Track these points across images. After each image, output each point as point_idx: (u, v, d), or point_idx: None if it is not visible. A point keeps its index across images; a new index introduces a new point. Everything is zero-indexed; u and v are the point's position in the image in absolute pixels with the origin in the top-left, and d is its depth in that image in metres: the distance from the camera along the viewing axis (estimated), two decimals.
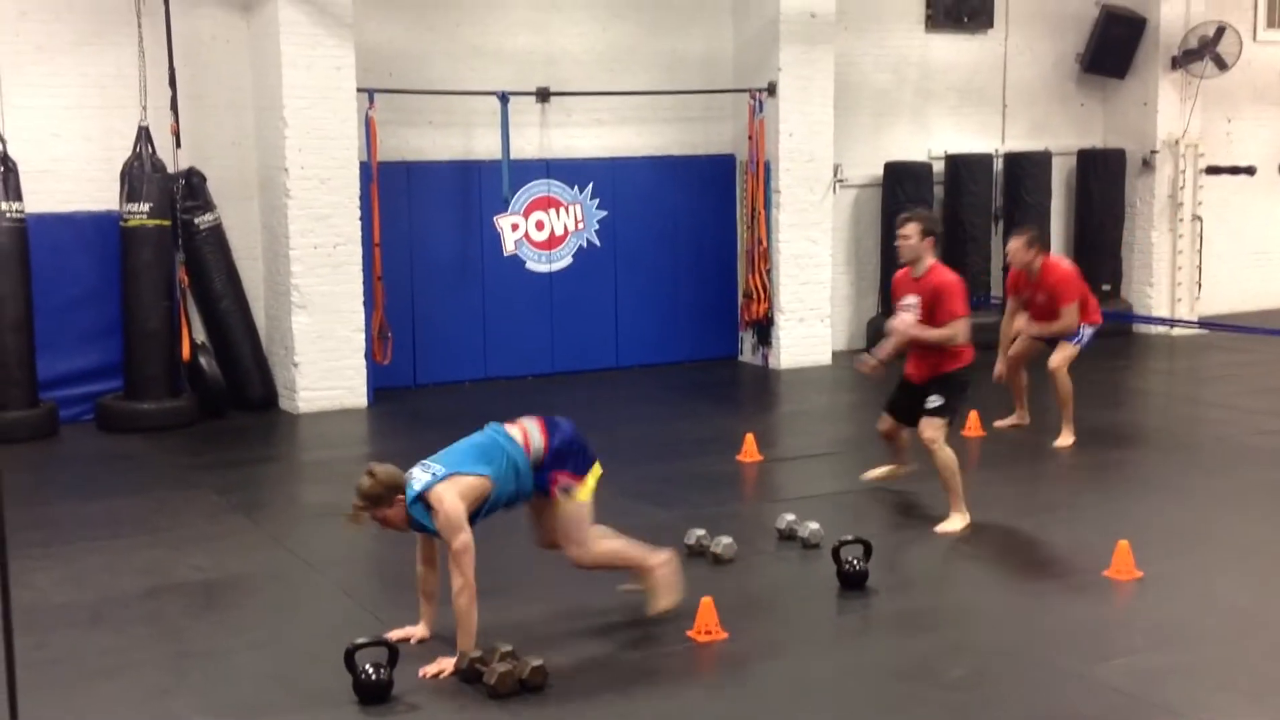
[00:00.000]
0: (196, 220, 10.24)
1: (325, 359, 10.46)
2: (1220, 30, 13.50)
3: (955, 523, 7.28)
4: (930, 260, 7.40)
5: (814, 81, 12.06)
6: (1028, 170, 13.46)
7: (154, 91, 10.01)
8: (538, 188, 11.74)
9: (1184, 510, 7.76)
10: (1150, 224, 13.97)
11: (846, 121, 12.61)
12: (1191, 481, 8.39)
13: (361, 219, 10.53)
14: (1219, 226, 14.44)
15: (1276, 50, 15.11)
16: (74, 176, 10.12)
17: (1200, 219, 14.06)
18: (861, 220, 13.18)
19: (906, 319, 7.34)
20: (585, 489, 5.56)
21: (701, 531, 6.84)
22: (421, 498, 5.29)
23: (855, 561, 6.27)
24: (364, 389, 10.63)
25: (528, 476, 5.49)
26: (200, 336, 10.37)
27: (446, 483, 5.31)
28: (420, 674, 5.23)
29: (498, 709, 5.01)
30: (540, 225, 11.80)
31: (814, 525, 6.95)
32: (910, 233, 7.36)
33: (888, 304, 12.73)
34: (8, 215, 9.49)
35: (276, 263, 10.54)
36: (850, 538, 6.37)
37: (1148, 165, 13.91)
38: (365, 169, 10.58)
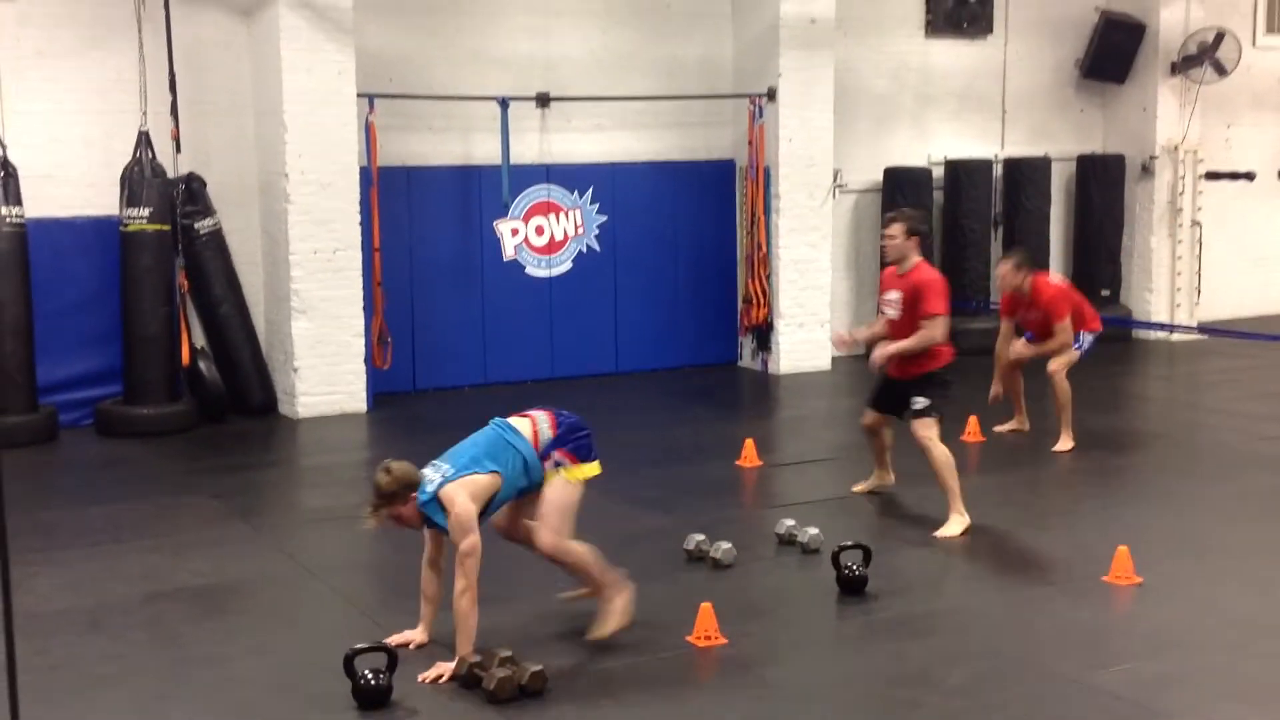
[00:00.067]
0: (196, 225, 10.25)
1: (325, 364, 10.46)
2: (1220, 36, 13.51)
3: (955, 526, 7.30)
4: (915, 258, 7.54)
5: (814, 87, 12.08)
6: (1027, 176, 13.47)
7: (154, 96, 10.02)
8: (537, 193, 11.75)
9: (1183, 516, 7.75)
10: (1150, 229, 13.98)
11: (846, 127, 12.62)
12: (1191, 487, 8.39)
13: (361, 224, 10.54)
14: (1218, 232, 14.44)
15: (1276, 56, 15.12)
16: (74, 181, 10.13)
17: (1200, 224, 14.07)
18: (861, 226, 13.19)
19: (883, 351, 7.47)
20: (578, 470, 5.55)
21: (701, 537, 6.85)
22: (434, 498, 5.33)
23: (854, 567, 6.27)
24: (364, 394, 10.63)
25: (536, 469, 5.51)
26: (200, 341, 10.37)
27: (458, 483, 5.34)
28: (419, 679, 5.23)
29: (497, 714, 5.01)
30: (540, 230, 11.81)
31: (813, 530, 6.95)
32: (896, 232, 7.51)
33: None
34: (8, 220, 9.50)
35: (276, 268, 10.55)
36: (849, 543, 6.38)
37: (1147, 171, 13.92)
38: (365, 174, 10.59)
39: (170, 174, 10.06)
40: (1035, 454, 9.15)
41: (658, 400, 11.24)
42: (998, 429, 9.63)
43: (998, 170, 13.55)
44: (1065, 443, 9.16)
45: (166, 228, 9.93)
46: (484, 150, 11.40)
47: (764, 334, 12.29)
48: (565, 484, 5.51)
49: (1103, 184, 13.84)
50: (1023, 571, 6.84)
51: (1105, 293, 13.81)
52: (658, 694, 5.23)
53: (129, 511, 7.92)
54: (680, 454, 9.27)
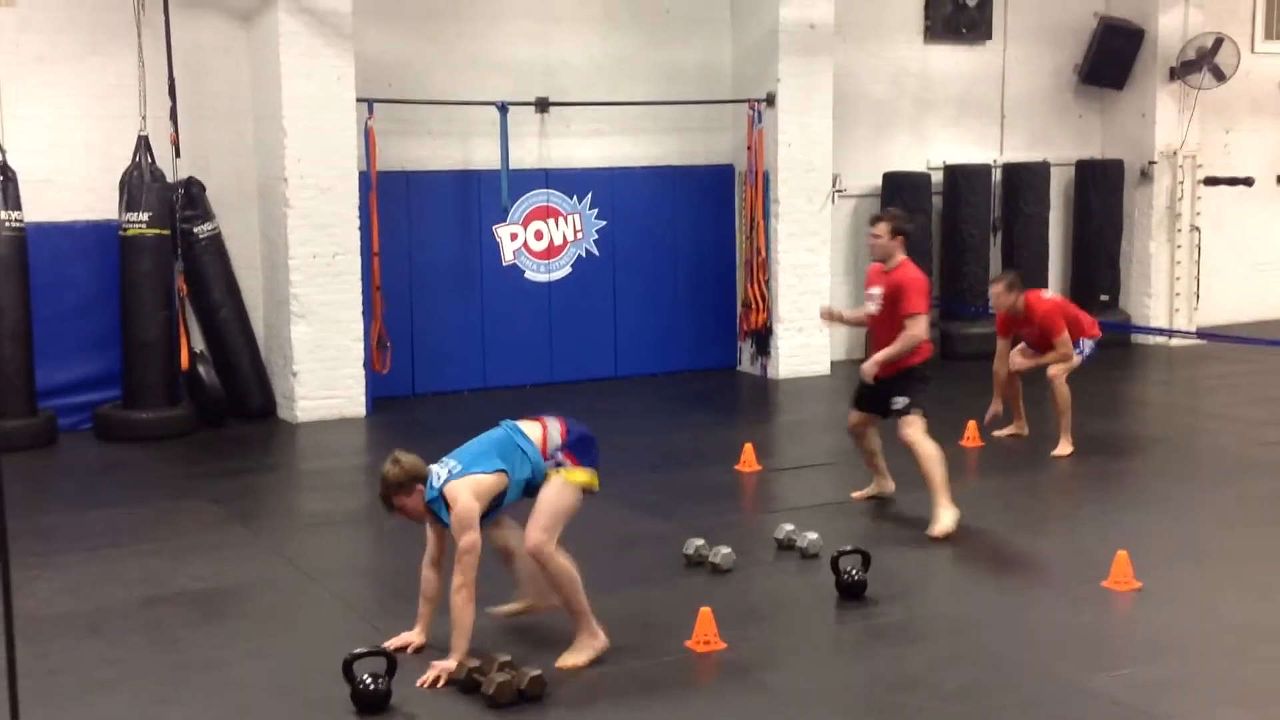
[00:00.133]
0: (196, 229, 10.26)
1: (324, 368, 10.46)
2: (1218, 42, 13.53)
3: (945, 518, 7.34)
4: (900, 257, 7.66)
5: (813, 92, 12.09)
6: (1026, 181, 13.48)
7: (154, 101, 10.03)
8: (537, 197, 11.75)
9: (1183, 521, 7.76)
10: (1148, 235, 13.99)
11: (845, 132, 12.63)
12: (1190, 492, 8.39)
13: (361, 228, 10.54)
14: (1217, 237, 14.45)
15: (1274, 62, 15.14)
16: (74, 186, 10.13)
17: (1198, 230, 14.09)
18: (860, 230, 13.13)
19: (873, 361, 7.53)
20: (577, 473, 5.51)
21: (700, 541, 6.85)
22: (440, 494, 5.34)
23: (854, 571, 6.27)
24: (363, 398, 10.63)
25: (540, 473, 5.50)
26: (199, 346, 10.37)
27: (464, 480, 5.36)
28: (418, 684, 5.23)
29: (496, 718, 5.01)
30: (539, 235, 11.81)
31: (812, 535, 6.95)
32: (881, 231, 7.65)
33: None
34: (7, 225, 9.50)
35: (275, 272, 10.55)
36: (849, 548, 6.38)
37: (1146, 176, 13.94)
38: (365, 179, 10.59)
39: (170, 178, 10.06)
40: (1034, 459, 9.16)
41: (657, 405, 11.24)
42: (997, 433, 9.64)
43: (996, 175, 13.56)
44: (1064, 447, 9.17)
45: (166, 232, 9.94)
46: (483, 155, 11.41)
47: (763, 339, 12.29)
48: (563, 485, 5.47)
49: (1102, 189, 13.85)
50: (1022, 576, 6.84)
51: (1104, 298, 13.82)
52: (657, 699, 5.23)
53: (128, 516, 7.92)
54: (679, 459, 9.27)
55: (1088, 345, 9.40)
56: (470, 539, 5.27)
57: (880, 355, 7.51)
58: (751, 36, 12.20)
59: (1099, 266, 13.92)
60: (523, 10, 11.66)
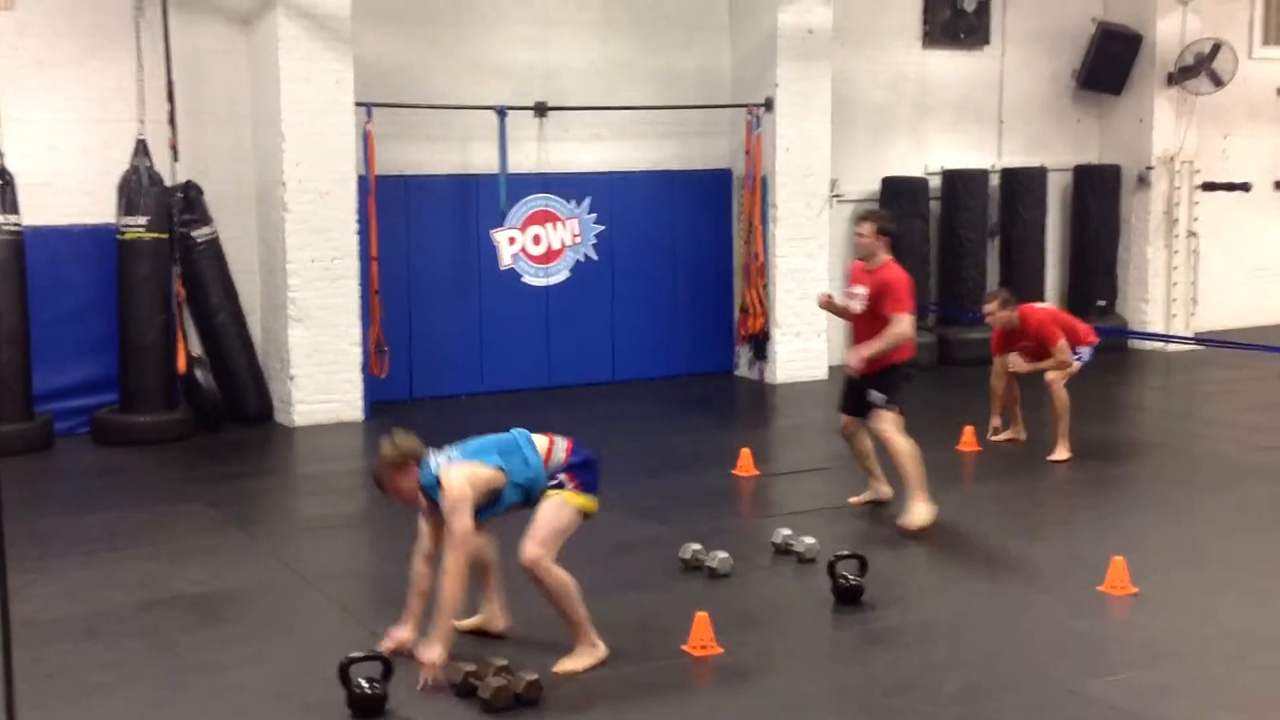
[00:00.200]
0: (194, 233, 10.26)
1: (321, 372, 10.46)
2: (1216, 47, 13.55)
3: (919, 512, 7.47)
4: (884, 256, 7.74)
5: (811, 97, 12.10)
6: (1024, 186, 13.50)
7: (152, 105, 10.04)
8: (535, 202, 11.76)
9: (1179, 526, 7.76)
10: (1146, 240, 14.00)
11: (844, 137, 12.64)
12: (1187, 497, 8.39)
13: (359, 233, 10.54)
14: (1214, 242, 14.47)
15: (1272, 67, 15.16)
16: (71, 189, 10.13)
17: (1196, 235, 14.10)
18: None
19: (858, 355, 7.63)
20: (578, 497, 5.50)
21: (697, 546, 6.84)
22: (437, 478, 5.33)
23: (850, 576, 6.27)
24: (360, 402, 10.63)
25: (539, 483, 5.47)
26: (196, 350, 10.37)
27: (459, 466, 5.36)
28: (419, 688, 5.22)
29: None
30: (537, 239, 11.82)
31: (810, 540, 6.95)
32: (866, 231, 7.75)
33: None
34: (4, 228, 9.50)
35: (273, 276, 10.55)
36: (846, 552, 6.38)
37: (1143, 181, 13.95)
38: (363, 183, 10.60)
39: (168, 182, 10.06)
40: (1031, 463, 9.16)
41: (654, 409, 11.24)
42: (994, 438, 9.64)
43: (994, 180, 13.57)
44: (1061, 452, 9.17)
45: (164, 236, 9.94)
46: (482, 159, 11.42)
47: (761, 343, 12.30)
48: (562, 503, 5.45)
49: (1099, 194, 13.87)
50: (1019, 581, 6.83)
51: (1101, 303, 13.84)
52: (653, 703, 5.23)
53: (125, 519, 7.92)
54: (677, 463, 9.27)
55: (1085, 352, 9.44)
56: (463, 523, 5.24)
57: (866, 350, 7.59)
58: (750, 41, 12.21)
59: (1096, 272, 13.93)
60: (522, 15, 11.67)
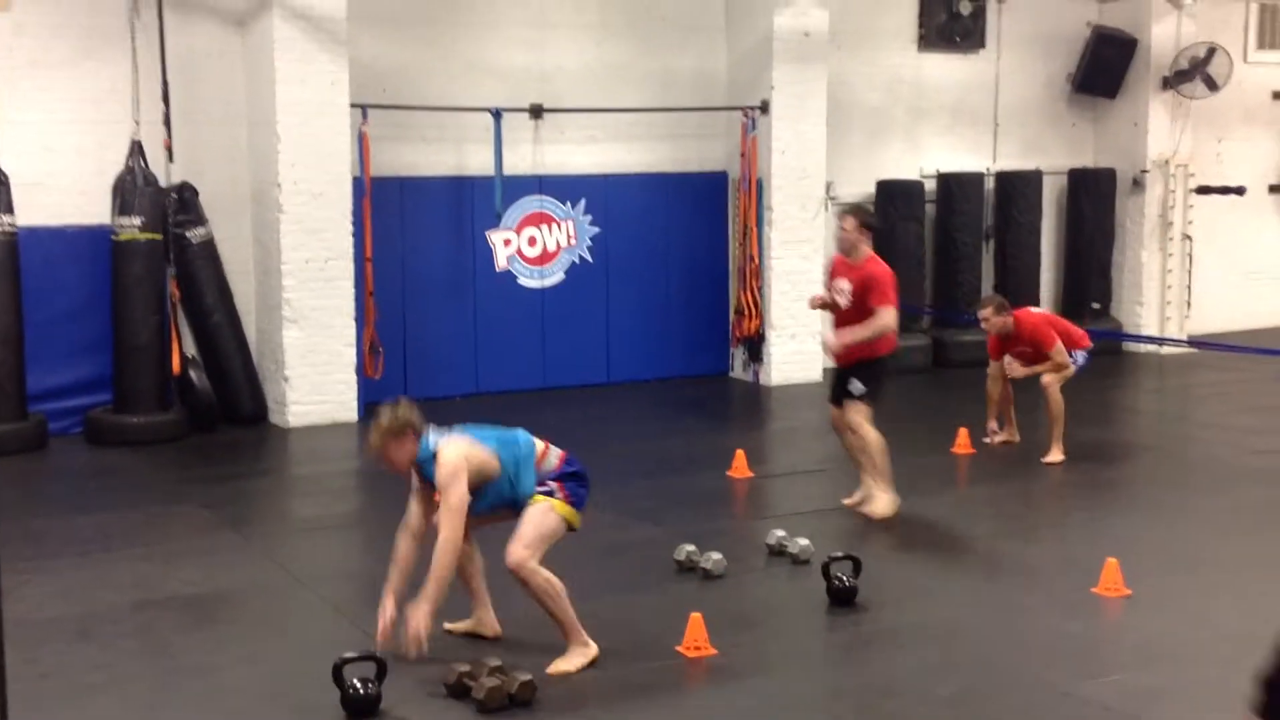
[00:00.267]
0: (188, 234, 10.25)
1: (316, 373, 10.46)
2: (1211, 51, 13.57)
3: (882, 503, 7.76)
4: (867, 250, 7.86)
5: (807, 100, 12.11)
6: (1019, 189, 13.52)
7: (147, 106, 10.03)
8: (530, 203, 11.76)
9: (1173, 528, 7.77)
10: (1140, 243, 14.02)
11: (839, 139, 12.65)
12: (1181, 499, 8.40)
13: (354, 234, 10.54)
14: (1209, 246, 14.50)
15: (1267, 71, 15.19)
16: (66, 190, 10.12)
17: (1190, 238, 14.12)
18: None
19: (840, 339, 7.81)
20: (565, 506, 5.49)
21: (691, 547, 6.84)
22: (433, 454, 5.35)
23: (845, 578, 6.27)
24: (354, 403, 10.63)
25: (528, 484, 5.47)
26: (191, 350, 10.36)
27: (457, 441, 5.40)
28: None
29: None
30: (533, 241, 11.82)
31: (804, 541, 6.95)
32: (849, 226, 7.87)
33: None
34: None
35: (268, 277, 10.55)
36: (840, 554, 6.38)
37: (1138, 185, 13.97)
38: (358, 184, 10.59)
39: (163, 183, 10.05)
40: (1025, 466, 9.17)
41: (649, 411, 11.24)
42: (988, 441, 9.64)
43: (990, 183, 13.59)
44: (1055, 455, 9.18)
45: (158, 237, 9.93)
46: (477, 161, 11.42)
47: (755, 345, 12.30)
48: (549, 509, 5.44)
49: (1094, 198, 13.89)
50: (1013, 582, 6.84)
51: (1096, 306, 13.85)
52: (647, 704, 5.23)
53: (119, 520, 7.91)
54: (671, 464, 9.27)
55: (1080, 356, 9.46)
56: (459, 493, 5.24)
57: (849, 336, 7.73)
58: (746, 44, 12.22)
59: (1091, 275, 13.95)
60: (517, 17, 11.67)
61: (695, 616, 5.71)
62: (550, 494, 5.47)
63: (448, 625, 5.84)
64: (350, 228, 10.51)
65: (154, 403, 9.95)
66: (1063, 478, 8.93)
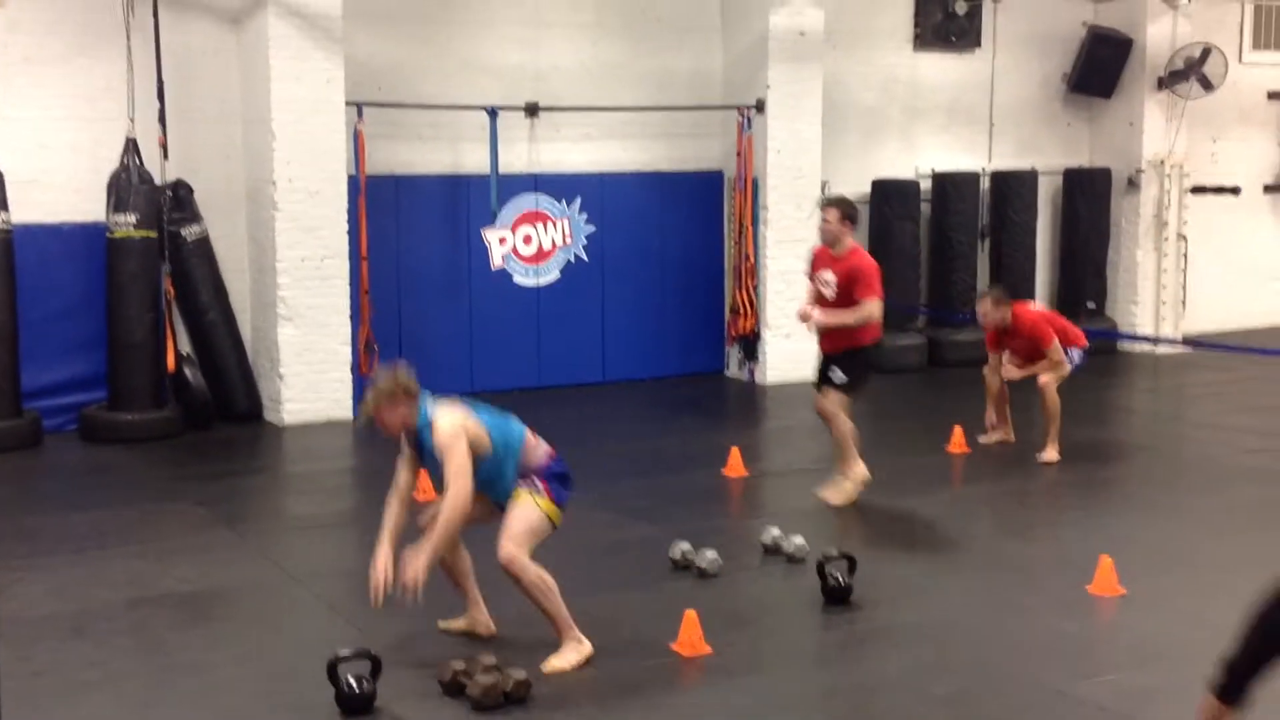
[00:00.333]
0: (183, 232, 10.24)
1: (311, 371, 10.45)
2: (1206, 51, 13.58)
3: (839, 492, 8.03)
4: (849, 242, 8.00)
5: (802, 99, 12.11)
6: (1014, 189, 13.52)
7: (142, 103, 10.01)
8: (526, 202, 11.76)
9: (1168, 527, 7.77)
10: (1135, 243, 14.04)
11: (834, 139, 12.65)
12: (1175, 499, 8.41)
13: (349, 232, 10.53)
14: (1204, 246, 14.50)
15: (1262, 72, 15.20)
16: (61, 187, 10.11)
17: (1185, 238, 14.13)
18: None
19: (822, 318, 7.98)
20: (549, 503, 5.48)
21: (686, 545, 6.84)
22: (430, 421, 5.40)
23: (839, 576, 6.27)
24: (349, 402, 10.61)
25: (513, 474, 5.48)
26: (186, 348, 10.35)
27: (453, 410, 5.47)
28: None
29: None
30: (528, 240, 11.81)
31: (799, 540, 6.96)
32: (831, 217, 7.99)
33: None
34: None
35: (263, 275, 10.54)
36: (835, 552, 6.38)
37: (1133, 184, 13.98)
38: (353, 182, 10.59)
39: (158, 181, 10.04)
40: (1020, 465, 9.17)
41: (644, 409, 11.24)
42: (983, 439, 9.65)
43: (985, 183, 13.59)
44: (1051, 454, 9.19)
45: (153, 234, 9.92)
46: (472, 159, 11.41)
47: (751, 344, 12.30)
48: (533, 505, 5.45)
49: (1089, 197, 13.90)
50: (1008, 581, 6.84)
51: (1091, 305, 13.87)
52: (642, 702, 5.22)
53: (113, 517, 7.90)
54: (666, 463, 9.27)
55: (1076, 354, 9.45)
56: (461, 452, 5.27)
57: (834, 318, 7.89)
58: (742, 43, 12.22)
59: (1086, 274, 13.96)
60: (513, 15, 11.67)
61: (690, 615, 5.70)
62: (534, 490, 5.48)
63: (442, 624, 5.85)
64: (345, 226, 10.50)
65: (149, 400, 9.95)
66: (1058, 477, 8.93)
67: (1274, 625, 4.15)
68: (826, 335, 8.10)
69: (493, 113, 11.20)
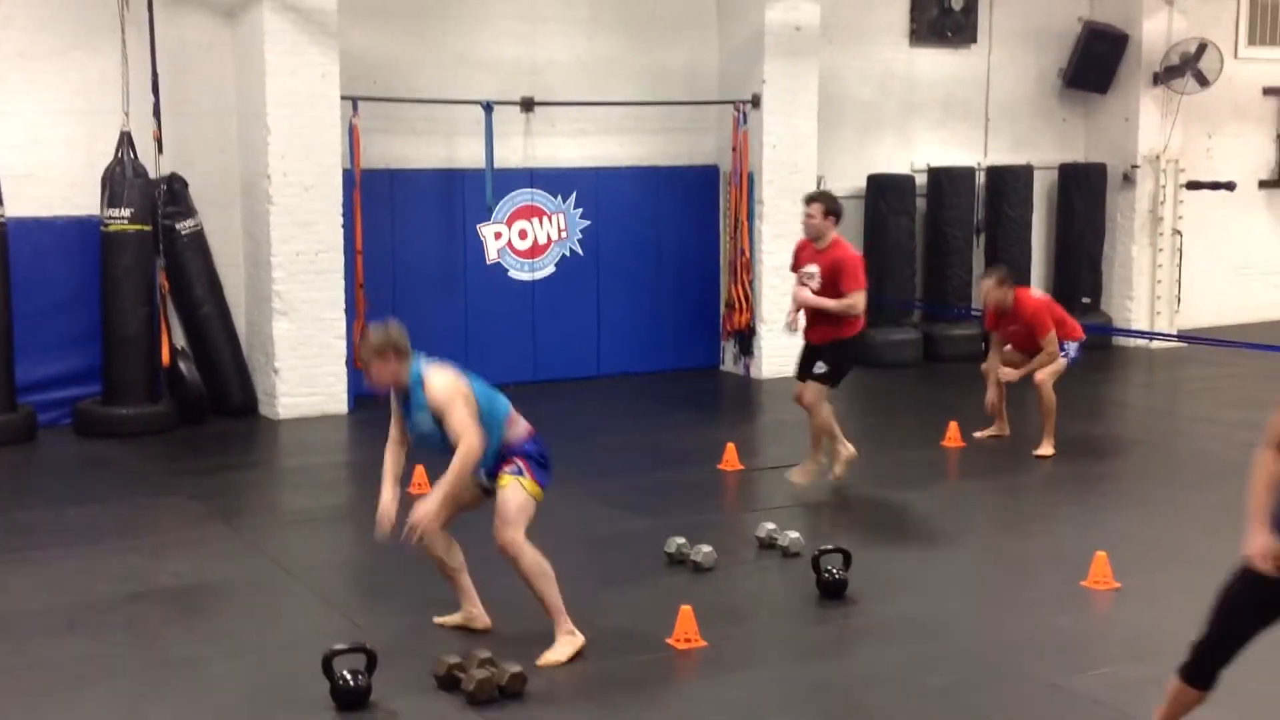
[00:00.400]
0: (178, 226, 10.22)
1: (306, 365, 10.44)
2: (1202, 47, 13.58)
3: (801, 472, 8.28)
4: (832, 236, 8.13)
5: (798, 94, 12.10)
6: (1010, 184, 13.52)
7: (137, 97, 9.98)
8: (521, 197, 11.74)
9: (1162, 522, 7.78)
10: (1131, 238, 14.04)
11: (830, 134, 12.64)
12: (1170, 494, 8.42)
13: (344, 226, 10.52)
14: (1198, 241, 14.51)
15: (1257, 67, 15.20)
16: (56, 181, 10.09)
17: (1180, 233, 14.15)
18: (844, 232, 12.94)
19: (806, 298, 8.09)
20: (533, 484, 5.52)
21: (681, 540, 6.84)
22: (422, 378, 5.46)
23: (835, 570, 6.28)
24: (344, 395, 10.61)
25: (498, 439, 5.52)
26: (180, 342, 10.33)
27: (445, 370, 5.53)
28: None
29: (476, 715, 5.00)
30: (523, 234, 11.80)
31: (794, 534, 6.96)
32: (815, 212, 8.13)
33: (869, 315, 12.79)
34: None
35: (258, 269, 10.52)
36: (830, 547, 6.38)
37: (1129, 180, 13.99)
38: (348, 176, 10.57)
39: (152, 174, 10.02)
40: (1016, 460, 9.18)
41: (640, 404, 11.24)
42: (978, 434, 9.65)
43: (980, 178, 13.59)
44: (1046, 449, 9.19)
45: (148, 228, 9.90)
46: (468, 154, 11.40)
47: (746, 339, 12.30)
48: (521, 488, 5.49)
49: (1084, 193, 13.90)
50: (1002, 576, 6.86)
51: (1086, 300, 13.87)
52: (637, 696, 5.23)
53: (108, 512, 7.89)
54: (662, 458, 9.27)
55: (1072, 348, 9.43)
56: (460, 417, 5.33)
57: (816, 301, 8.00)
58: (737, 38, 12.21)
59: (1081, 269, 13.96)
60: (508, 10, 11.65)
61: (685, 609, 5.71)
62: (518, 473, 5.51)
63: (438, 620, 5.85)
64: (340, 220, 10.48)
65: (143, 394, 9.93)
66: (1052, 472, 8.94)
67: (1235, 610, 4.24)
68: (813, 326, 8.21)
69: (488, 107, 11.18)
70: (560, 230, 11.95)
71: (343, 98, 10.43)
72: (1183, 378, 12.75)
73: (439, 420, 5.40)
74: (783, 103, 12.04)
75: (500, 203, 11.59)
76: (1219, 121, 14.93)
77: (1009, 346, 9.52)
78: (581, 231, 12.03)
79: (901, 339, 12.92)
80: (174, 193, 10.22)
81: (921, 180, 13.31)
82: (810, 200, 8.23)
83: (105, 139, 9.91)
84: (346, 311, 10.58)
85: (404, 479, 5.81)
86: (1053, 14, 14.02)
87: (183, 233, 10.24)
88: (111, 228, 9.80)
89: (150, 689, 5.31)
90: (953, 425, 9.54)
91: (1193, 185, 14.23)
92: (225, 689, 5.31)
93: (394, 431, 5.68)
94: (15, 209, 9.71)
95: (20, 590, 6.44)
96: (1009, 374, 9.39)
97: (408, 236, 11.30)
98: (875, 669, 5.54)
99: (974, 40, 13.69)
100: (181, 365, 10.13)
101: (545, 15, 11.78)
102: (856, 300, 7.99)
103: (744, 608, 6.28)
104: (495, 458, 5.52)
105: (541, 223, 11.87)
